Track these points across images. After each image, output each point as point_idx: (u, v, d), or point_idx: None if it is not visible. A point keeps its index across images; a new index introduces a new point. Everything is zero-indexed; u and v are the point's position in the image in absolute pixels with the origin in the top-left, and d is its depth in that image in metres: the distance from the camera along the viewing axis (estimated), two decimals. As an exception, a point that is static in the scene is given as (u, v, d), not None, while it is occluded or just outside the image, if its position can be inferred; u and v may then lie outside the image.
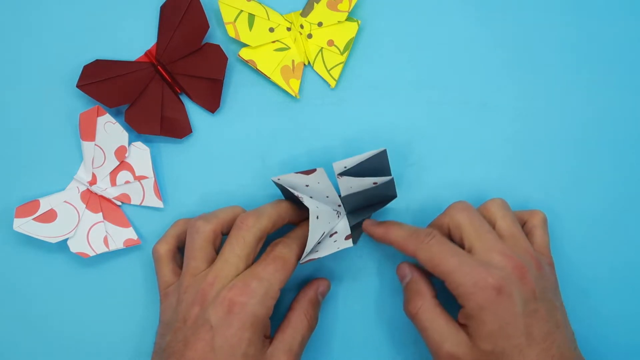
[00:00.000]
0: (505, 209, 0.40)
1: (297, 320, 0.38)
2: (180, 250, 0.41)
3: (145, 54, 0.44)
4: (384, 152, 0.37)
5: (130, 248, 0.43)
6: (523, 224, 0.41)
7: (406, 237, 0.39)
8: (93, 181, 0.43)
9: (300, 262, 0.39)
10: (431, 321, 0.37)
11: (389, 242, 0.40)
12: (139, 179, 0.43)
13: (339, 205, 0.41)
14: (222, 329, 0.35)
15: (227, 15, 0.43)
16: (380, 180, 0.37)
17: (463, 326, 0.36)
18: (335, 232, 0.41)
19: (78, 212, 0.42)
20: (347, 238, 0.40)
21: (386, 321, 0.43)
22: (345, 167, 0.37)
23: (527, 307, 0.35)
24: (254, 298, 0.35)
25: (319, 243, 0.41)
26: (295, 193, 0.39)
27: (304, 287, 0.41)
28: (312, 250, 0.40)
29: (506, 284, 0.35)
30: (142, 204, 0.43)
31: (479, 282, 0.35)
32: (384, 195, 0.40)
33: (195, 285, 0.37)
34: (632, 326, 0.43)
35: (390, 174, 0.40)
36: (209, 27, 0.43)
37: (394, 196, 0.39)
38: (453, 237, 0.39)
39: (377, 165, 0.38)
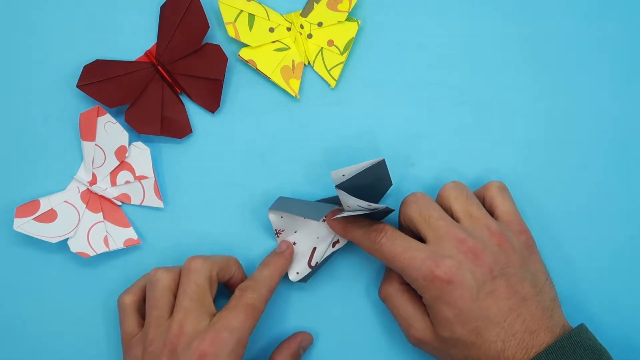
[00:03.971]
0: (458, 190, 0.40)
1: None
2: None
3: (145, 54, 0.44)
4: (382, 162, 0.37)
5: (130, 248, 0.43)
6: (483, 201, 0.41)
7: (362, 236, 0.39)
8: (93, 181, 0.43)
9: (300, 280, 0.41)
10: (399, 307, 0.39)
11: (347, 238, 0.40)
12: (139, 179, 0.43)
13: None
14: None
15: (227, 15, 0.43)
16: (377, 206, 0.37)
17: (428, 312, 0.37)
18: (337, 241, 0.42)
19: (78, 212, 0.42)
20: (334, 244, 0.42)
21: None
22: (343, 176, 0.38)
23: (483, 289, 0.35)
24: (225, 349, 0.35)
25: (323, 255, 0.42)
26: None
27: (288, 338, 0.41)
28: (317, 266, 0.41)
29: (456, 272, 0.35)
30: (143, 204, 0.43)
31: (428, 275, 0.35)
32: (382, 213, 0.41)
33: (160, 336, 0.36)
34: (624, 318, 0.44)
35: (390, 182, 0.40)
36: (209, 27, 0.43)
37: (392, 210, 0.40)
38: (412, 231, 0.39)
39: (376, 174, 0.38)
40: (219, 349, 0.35)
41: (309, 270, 0.41)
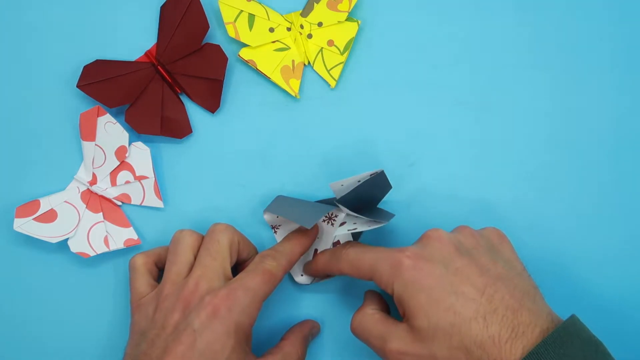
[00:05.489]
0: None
1: (290, 350, 0.38)
2: (157, 266, 0.41)
3: (145, 54, 0.44)
4: (382, 173, 0.37)
5: (130, 248, 0.43)
6: None
7: (330, 259, 0.39)
8: (93, 181, 0.43)
9: (307, 283, 0.41)
10: (372, 328, 0.36)
11: (325, 273, 0.40)
12: (139, 179, 0.43)
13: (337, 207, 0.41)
14: (205, 334, 0.34)
15: (227, 15, 0.43)
16: (379, 221, 0.38)
17: (402, 318, 0.36)
18: (338, 242, 0.42)
19: (78, 212, 0.42)
20: None
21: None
22: (342, 185, 0.38)
23: (451, 265, 0.35)
24: (238, 306, 0.35)
25: None
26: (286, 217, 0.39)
27: (299, 323, 0.41)
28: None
29: (421, 252, 0.35)
30: (143, 204, 0.43)
31: (395, 262, 0.35)
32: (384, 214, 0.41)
33: (175, 292, 0.36)
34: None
35: (389, 186, 0.40)
36: (209, 27, 0.43)
37: (393, 215, 0.40)
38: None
39: (375, 184, 0.39)
40: (231, 304, 0.35)
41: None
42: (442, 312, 0.33)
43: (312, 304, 0.43)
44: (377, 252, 0.37)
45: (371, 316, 0.37)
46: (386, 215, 0.39)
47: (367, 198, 0.40)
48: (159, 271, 0.41)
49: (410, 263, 0.35)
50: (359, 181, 0.38)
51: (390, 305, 0.39)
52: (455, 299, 0.33)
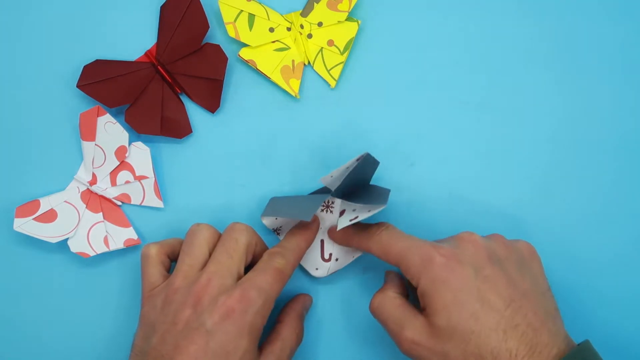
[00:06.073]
0: None
1: (287, 334, 0.38)
2: (169, 258, 0.40)
3: (145, 54, 0.44)
4: (367, 155, 0.37)
5: (130, 248, 0.43)
6: None
7: (360, 236, 0.39)
8: (93, 181, 0.43)
9: (322, 275, 0.41)
10: (389, 312, 0.37)
11: (350, 245, 0.41)
12: (139, 179, 0.43)
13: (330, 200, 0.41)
14: (218, 335, 0.34)
15: (227, 15, 0.43)
16: (375, 205, 0.38)
17: (422, 312, 0.36)
18: None
19: (78, 212, 0.42)
20: None
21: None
22: (332, 177, 0.38)
23: (481, 271, 0.35)
24: (253, 307, 0.35)
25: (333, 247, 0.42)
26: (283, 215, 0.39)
27: (291, 301, 0.41)
28: (332, 259, 0.42)
29: (454, 252, 0.35)
30: (143, 204, 0.43)
31: (427, 257, 0.35)
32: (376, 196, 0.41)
33: (187, 286, 0.36)
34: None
35: (377, 162, 0.39)
36: (209, 27, 0.43)
37: (389, 190, 0.40)
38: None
39: (364, 167, 0.38)
40: (246, 306, 0.35)
41: (326, 263, 0.41)
42: (464, 315, 0.34)
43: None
44: (409, 241, 0.37)
45: (392, 300, 0.37)
46: (382, 193, 0.39)
47: (359, 181, 0.40)
48: (170, 263, 0.40)
49: (442, 261, 0.35)
50: (347, 168, 0.38)
51: (409, 290, 0.40)
52: (480, 306, 0.34)
